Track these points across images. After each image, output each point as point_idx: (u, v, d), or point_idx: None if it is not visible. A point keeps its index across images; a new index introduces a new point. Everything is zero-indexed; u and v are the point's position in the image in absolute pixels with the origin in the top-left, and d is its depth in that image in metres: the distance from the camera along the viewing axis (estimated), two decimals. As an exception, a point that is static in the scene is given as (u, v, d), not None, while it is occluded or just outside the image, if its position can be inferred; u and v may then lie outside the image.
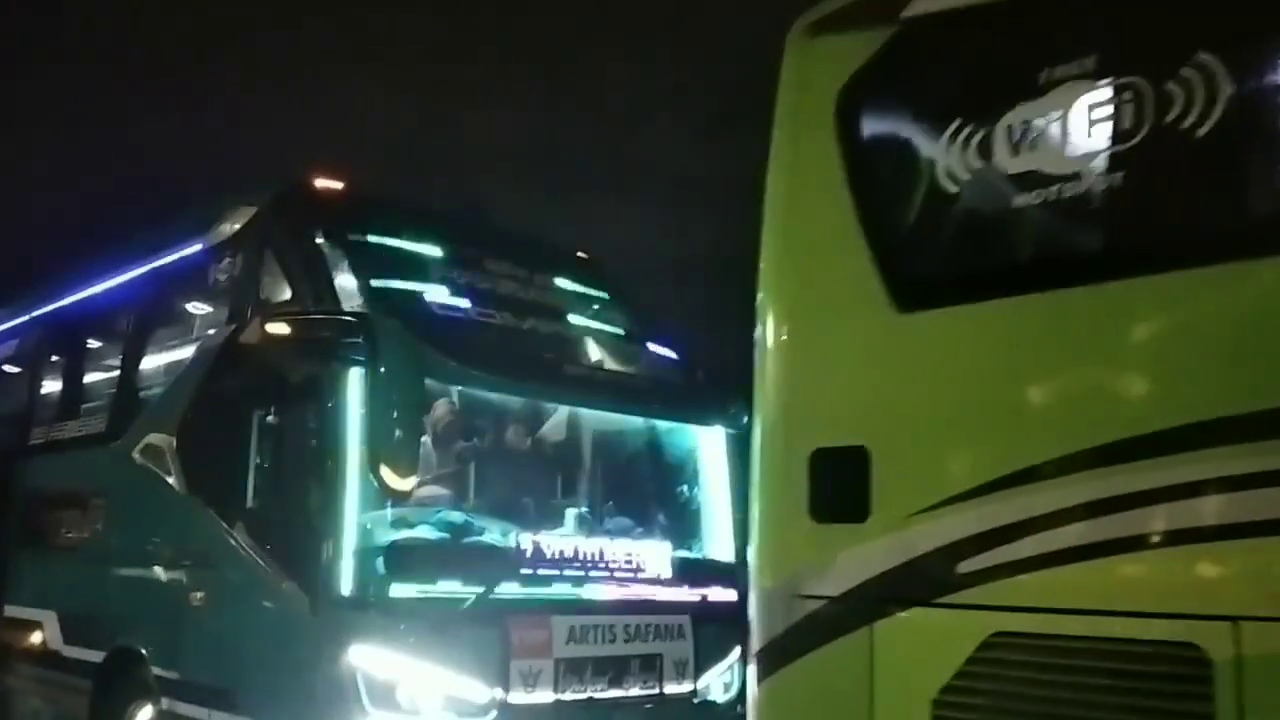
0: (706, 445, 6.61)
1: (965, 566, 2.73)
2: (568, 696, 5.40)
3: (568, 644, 5.39)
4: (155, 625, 6.27)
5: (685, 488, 6.54)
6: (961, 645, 2.73)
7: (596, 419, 6.26)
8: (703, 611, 6.07)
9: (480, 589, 5.16)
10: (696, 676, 5.99)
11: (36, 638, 7.49)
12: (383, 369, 4.76)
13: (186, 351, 6.75)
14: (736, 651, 6.14)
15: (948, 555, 2.77)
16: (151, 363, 7.20)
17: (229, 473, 5.94)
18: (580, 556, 5.67)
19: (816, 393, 3.24)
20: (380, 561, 5.09)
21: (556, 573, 5.56)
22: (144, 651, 6.32)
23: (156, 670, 6.15)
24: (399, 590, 5.10)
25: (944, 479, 2.83)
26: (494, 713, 5.14)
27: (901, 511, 2.88)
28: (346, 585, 5.08)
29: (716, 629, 6.08)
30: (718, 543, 6.49)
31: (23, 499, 8.07)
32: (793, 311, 3.34)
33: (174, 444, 6.32)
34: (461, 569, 5.20)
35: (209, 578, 5.87)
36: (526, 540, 5.50)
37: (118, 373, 7.45)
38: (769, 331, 3.35)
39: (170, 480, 6.29)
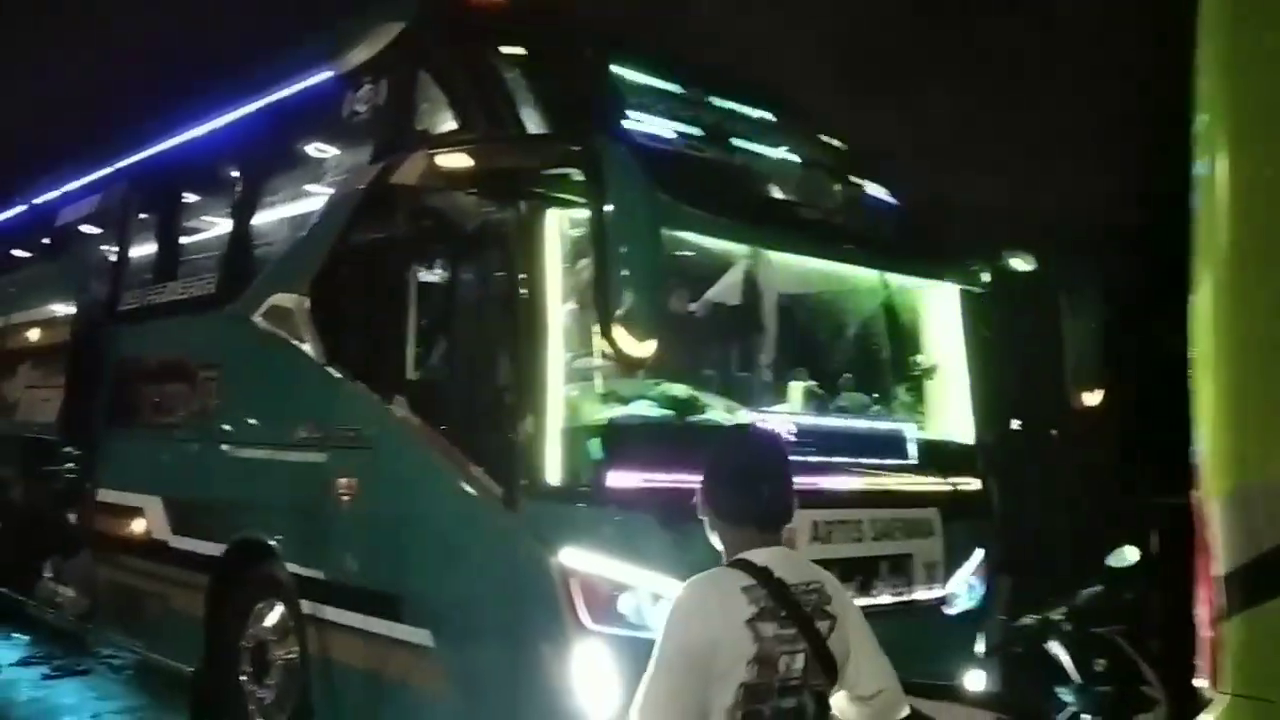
0: (947, 309, 5.56)
1: None
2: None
3: (812, 543, 4.44)
4: (289, 516, 5.38)
5: (924, 358, 5.50)
6: None
7: (828, 277, 5.18)
8: (951, 505, 5.10)
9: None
10: (945, 580, 5.05)
11: (138, 526, 6.63)
12: (617, 206, 3.70)
13: (316, 198, 5.73)
14: (980, 553, 5.20)
15: None
16: (270, 214, 6.19)
17: (382, 338, 4.99)
18: (819, 439, 4.69)
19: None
20: (596, 443, 4.12)
21: (797, 458, 4.58)
22: (274, 545, 5.44)
23: (292, 567, 5.27)
24: (619, 479, 4.13)
25: None
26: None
27: None
28: (555, 473, 4.11)
29: (963, 525, 5.13)
30: (959, 424, 5.48)
31: (113, 372, 7.15)
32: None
33: (306, 306, 5.35)
34: (693, 453, 4.21)
35: (361, 462, 4.93)
36: (770, 418, 4.52)
37: (227, 228, 6.46)
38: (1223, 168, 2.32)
39: (305, 348, 5.32)
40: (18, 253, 9.41)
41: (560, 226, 4.23)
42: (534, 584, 4.10)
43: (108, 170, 7.89)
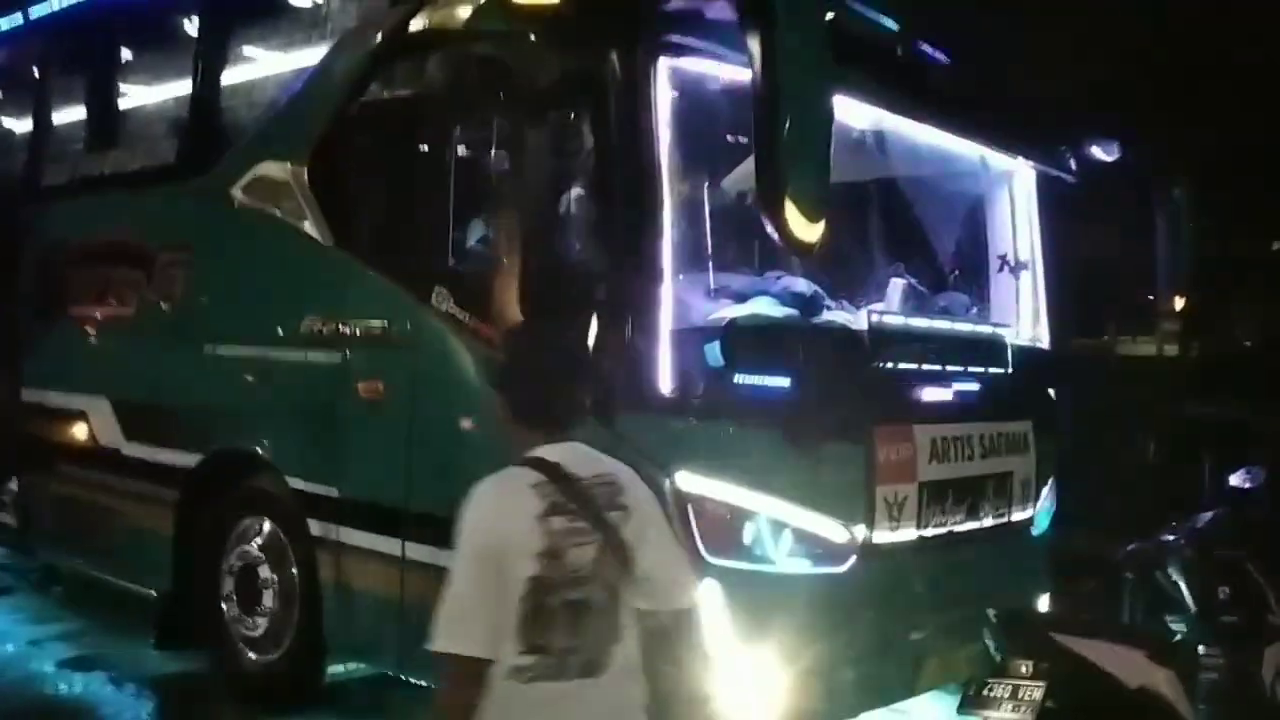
0: (1038, 200, 5.05)
1: None
2: (929, 532, 4.01)
3: (930, 463, 3.97)
4: (287, 423, 4.66)
5: (1012, 254, 4.99)
6: None
7: (930, 160, 4.58)
8: (1040, 416, 4.69)
9: (847, 388, 3.66)
10: (1035, 499, 4.67)
11: (79, 431, 5.79)
12: (791, 49, 3.04)
13: (313, 47, 4.86)
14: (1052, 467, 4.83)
15: None
16: (245, 68, 5.28)
17: (412, 217, 4.26)
18: (927, 344, 4.20)
19: None
20: (715, 347, 3.52)
21: (915, 366, 4.08)
22: (266, 456, 4.72)
23: (294, 482, 4.57)
24: (740, 390, 3.55)
25: None
26: (853, 558, 3.72)
27: None
28: (664, 381, 3.51)
29: (1046, 439, 4.73)
30: (1041, 326, 5.04)
31: (38, 256, 6.17)
32: None
33: (304, 178, 4.56)
34: (823, 360, 3.67)
35: (391, 363, 4.23)
36: (888, 321, 3.98)
37: (186, 86, 5.50)
38: None
39: (305, 227, 4.54)
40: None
41: (677, 76, 3.54)
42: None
43: (15, 21, 6.71)
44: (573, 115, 3.78)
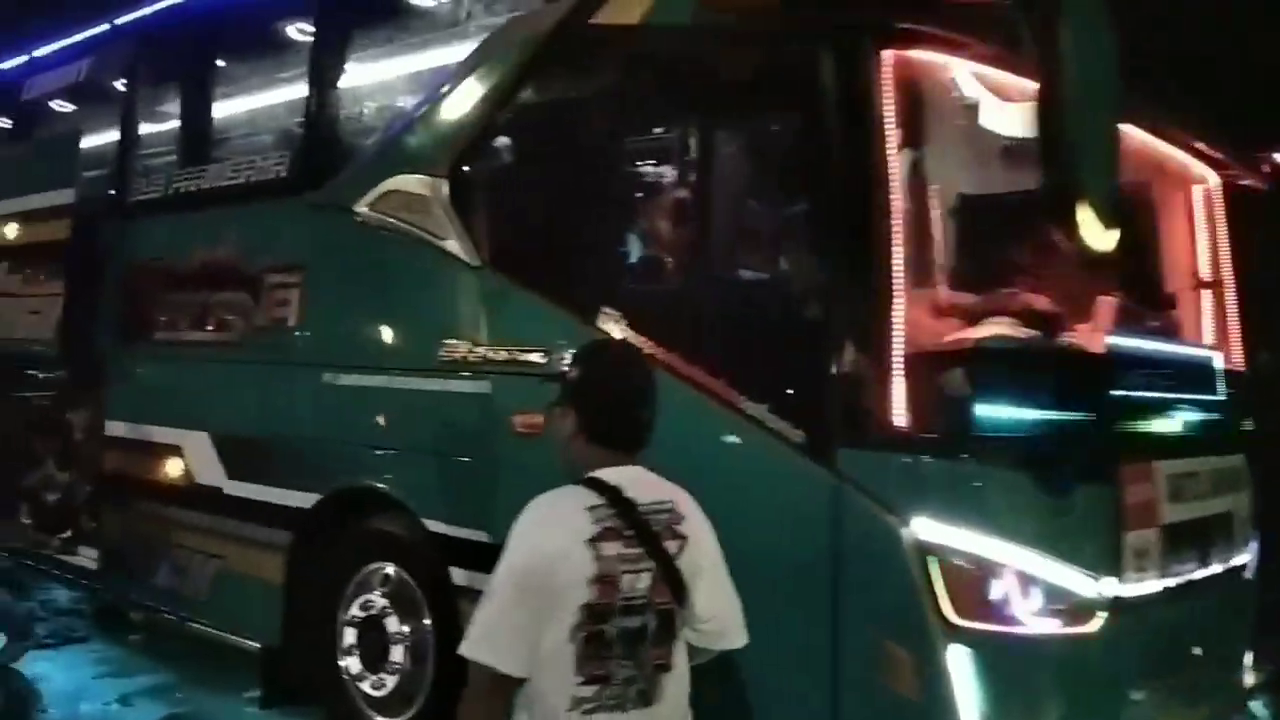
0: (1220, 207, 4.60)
1: None
2: (1170, 583, 3.53)
3: (1169, 502, 3.51)
4: (426, 460, 4.22)
5: (1212, 269, 4.52)
6: None
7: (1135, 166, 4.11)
8: (1247, 447, 4.22)
9: (1094, 421, 3.20)
10: (1248, 542, 4.19)
11: (173, 468, 5.36)
12: (1080, 34, 2.62)
13: (444, 50, 4.47)
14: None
15: None
16: (367, 73, 4.89)
17: (577, 234, 3.81)
18: (1170, 369, 3.74)
19: None
20: (958, 375, 3.07)
21: (1151, 394, 3.63)
22: (396, 496, 4.28)
23: (433, 525, 4.12)
24: (983, 423, 3.09)
25: None
26: (1102, 615, 3.25)
27: None
28: (900, 413, 3.06)
29: (1252, 470, 4.25)
30: (1236, 347, 4.57)
31: (127, 277, 5.77)
32: None
33: (445, 191, 4.15)
34: (1072, 389, 3.21)
35: (551, 394, 3.76)
36: (1125, 344, 3.54)
37: (297, 92, 5.11)
38: None
39: (448, 246, 4.13)
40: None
41: (908, 69, 3.11)
42: (866, 565, 3.07)
43: (103, 27, 6.36)
44: (782, 116, 3.37)
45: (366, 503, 4.44)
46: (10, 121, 7.17)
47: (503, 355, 3.92)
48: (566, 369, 2.42)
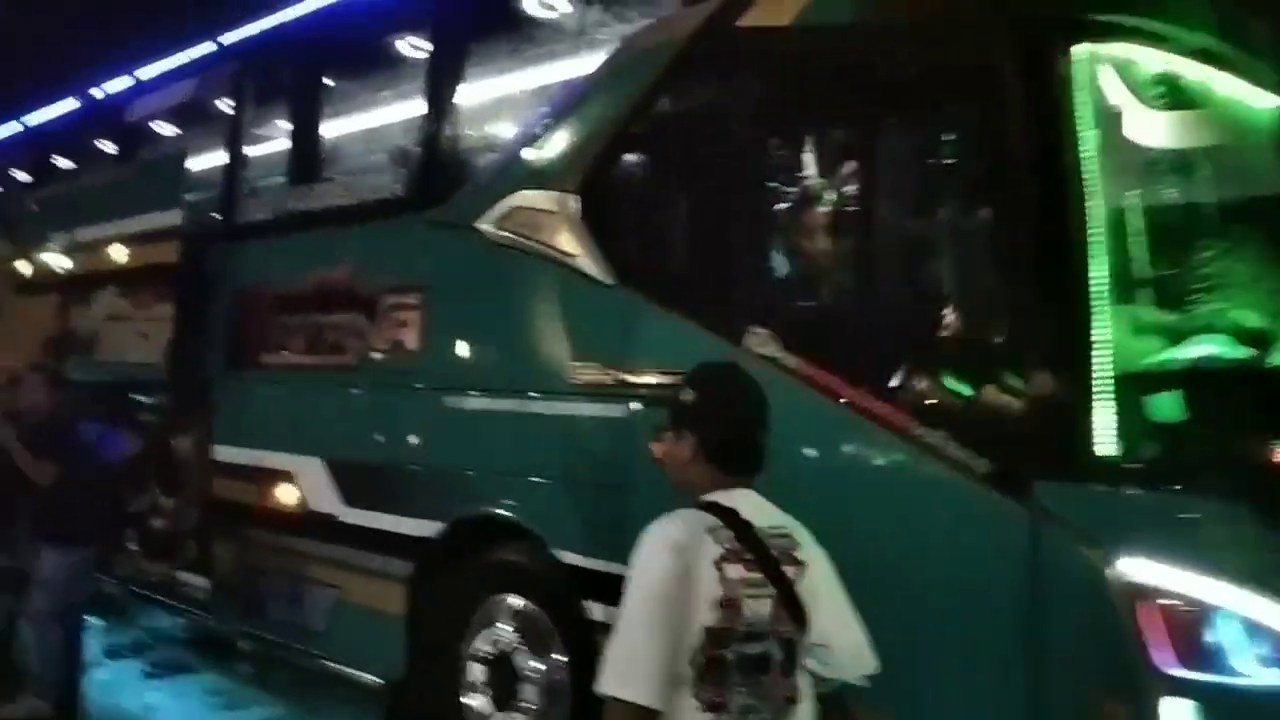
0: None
1: None
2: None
3: None
4: (559, 487, 4.02)
5: None
6: None
7: None
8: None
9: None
10: None
11: (286, 495, 5.23)
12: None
13: (569, 60, 4.29)
14: None
15: None
16: (488, 86, 4.71)
17: (722, 249, 3.59)
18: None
19: None
20: (1171, 399, 2.78)
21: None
22: (526, 525, 4.07)
23: (566, 556, 3.91)
24: (1196, 451, 2.81)
25: None
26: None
27: None
28: (1105, 440, 2.78)
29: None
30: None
31: (235, 300, 5.67)
32: None
33: (574, 207, 3.95)
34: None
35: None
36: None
37: (413, 108, 4.97)
38: None
39: (579, 264, 3.93)
40: (73, 157, 7.85)
41: (1108, 67, 2.85)
42: (1067, 609, 2.79)
43: (209, 46, 6.30)
44: (960, 119, 3.09)
45: (492, 531, 4.24)
46: (116, 144, 7.14)
47: (640, 378, 3.70)
48: (679, 392, 2.34)
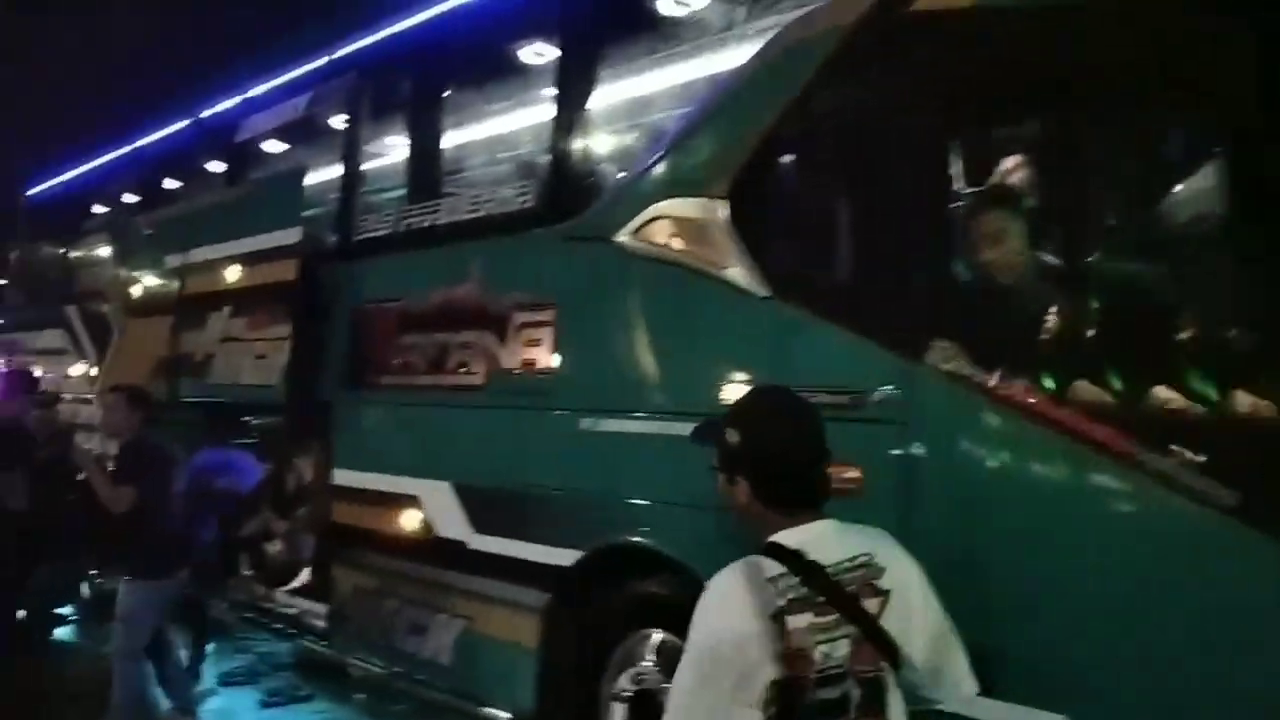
0: None
1: None
2: None
3: None
4: (709, 516, 3.70)
5: None
6: None
7: None
8: None
9: None
10: None
11: (409, 520, 5.03)
12: None
13: (712, 57, 4.04)
14: None
15: None
16: (622, 89, 4.49)
17: (899, 254, 3.26)
18: None
19: None
20: None
21: None
22: (675, 556, 3.80)
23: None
24: None
25: None
26: None
27: None
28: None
29: None
30: None
31: (353, 319, 5.52)
32: None
33: (725, 215, 3.68)
34: None
35: (866, 443, 3.24)
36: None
37: (541, 116, 4.75)
38: None
39: (729, 275, 3.65)
40: (184, 178, 7.84)
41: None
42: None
43: (320, 61, 6.18)
44: (1194, 106, 2.74)
45: (636, 561, 3.97)
46: (227, 163, 7.09)
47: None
48: (722, 431, 2.21)
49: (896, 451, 3.15)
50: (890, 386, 3.18)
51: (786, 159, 3.63)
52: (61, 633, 7.08)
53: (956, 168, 3.15)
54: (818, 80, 3.45)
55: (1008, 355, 2.95)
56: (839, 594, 2.00)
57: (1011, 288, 3.08)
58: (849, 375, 3.30)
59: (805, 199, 3.61)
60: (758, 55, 3.71)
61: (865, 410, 3.23)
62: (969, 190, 3.14)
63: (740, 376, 3.63)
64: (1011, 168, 3.10)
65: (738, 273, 3.64)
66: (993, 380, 2.94)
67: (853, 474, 3.25)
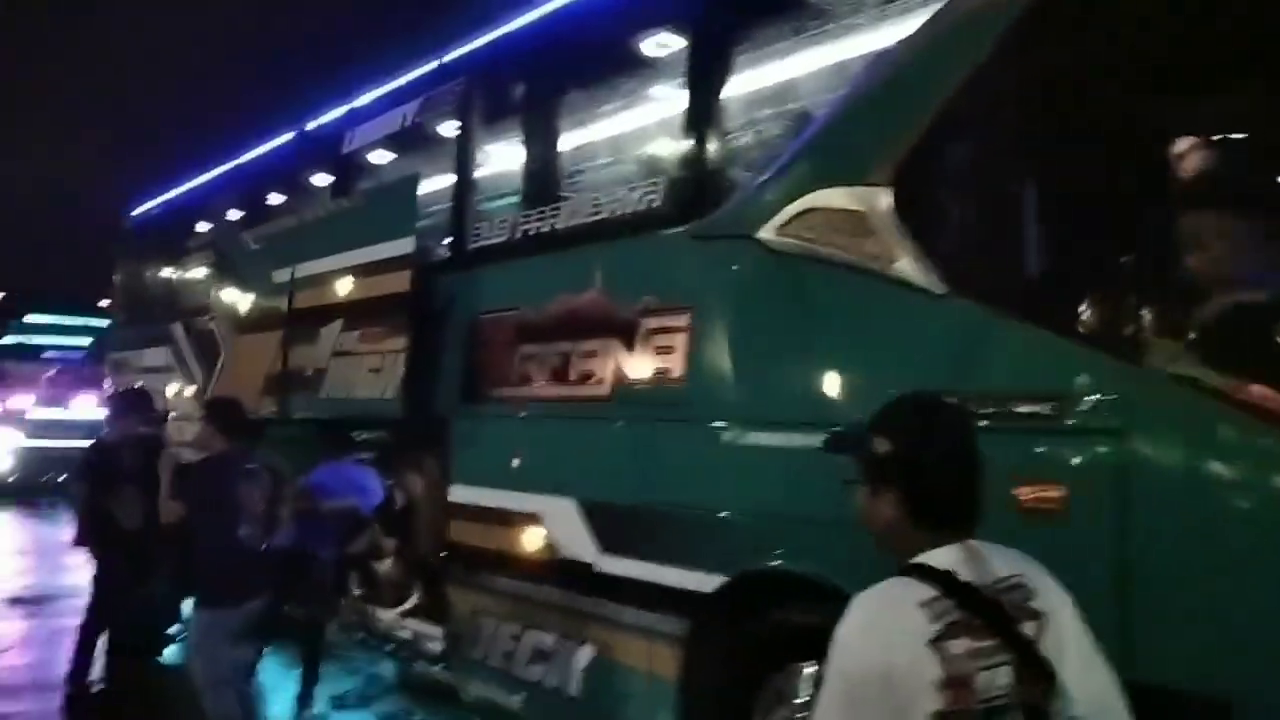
0: None
1: None
2: None
3: None
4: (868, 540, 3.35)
5: None
6: None
7: None
8: None
9: None
10: None
11: (530, 541, 4.76)
12: None
13: (870, 35, 3.71)
14: None
15: None
16: (763, 76, 4.18)
17: (1109, 245, 2.89)
18: None
19: None
20: None
21: None
22: (834, 584, 3.44)
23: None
24: None
25: None
26: None
27: None
28: None
29: None
30: None
31: (463, 330, 5.29)
32: None
33: (889, 205, 3.34)
34: None
35: (1072, 457, 2.89)
36: None
37: (670, 110, 4.47)
38: None
39: (896, 271, 3.30)
40: (290, 191, 7.74)
41: None
42: None
43: (429, 66, 5.99)
44: None
45: (787, 588, 3.64)
46: (332, 175, 6.95)
47: (987, 407, 3.03)
48: (869, 440, 2.05)
49: (1110, 464, 2.77)
50: (1101, 395, 2.81)
51: (964, 138, 3.28)
52: (170, 653, 6.96)
53: (1172, 145, 2.78)
54: (1000, 51, 3.09)
55: (1242, 355, 2.57)
56: (999, 618, 1.87)
57: (1241, 279, 2.68)
58: (1049, 380, 2.94)
59: (985, 185, 3.24)
60: (927, 26, 3.37)
61: (1072, 419, 2.86)
62: (1189, 172, 2.76)
63: (909, 382, 3.26)
64: (1232, 146, 2.71)
65: (907, 267, 3.30)
66: (1229, 384, 2.56)
67: (1054, 493, 2.91)
